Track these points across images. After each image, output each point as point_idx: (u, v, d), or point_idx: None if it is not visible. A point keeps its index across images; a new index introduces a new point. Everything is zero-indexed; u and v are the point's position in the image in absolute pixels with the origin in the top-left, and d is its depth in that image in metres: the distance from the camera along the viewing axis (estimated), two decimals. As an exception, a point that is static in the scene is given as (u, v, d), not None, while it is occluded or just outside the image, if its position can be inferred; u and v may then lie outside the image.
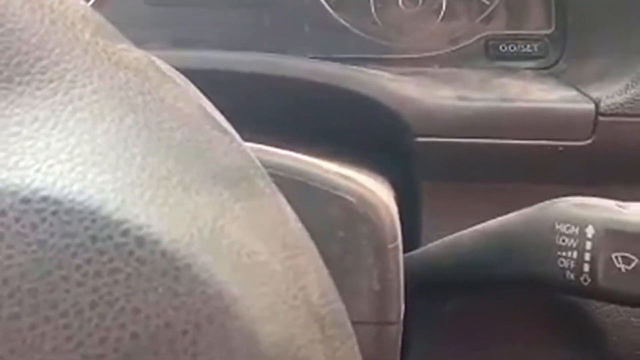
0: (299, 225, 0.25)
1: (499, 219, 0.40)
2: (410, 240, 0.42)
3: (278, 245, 0.23)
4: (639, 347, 0.46)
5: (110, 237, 0.19)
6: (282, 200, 0.25)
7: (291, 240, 0.24)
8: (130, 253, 0.19)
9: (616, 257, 0.34)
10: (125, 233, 0.19)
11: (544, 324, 0.45)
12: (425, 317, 0.45)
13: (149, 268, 0.19)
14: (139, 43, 0.26)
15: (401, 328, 0.37)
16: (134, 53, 0.24)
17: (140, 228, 0.19)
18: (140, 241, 0.19)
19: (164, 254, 0.19)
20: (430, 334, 0.46)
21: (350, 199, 0.35)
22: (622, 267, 0.34)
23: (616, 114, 0.45)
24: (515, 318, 0.46)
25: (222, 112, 0.28)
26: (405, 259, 0.37)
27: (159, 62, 0.26)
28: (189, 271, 0.19)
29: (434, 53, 0.57)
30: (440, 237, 0.44)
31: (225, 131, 0.25)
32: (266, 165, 0.26)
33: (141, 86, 0.23)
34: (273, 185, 0.26)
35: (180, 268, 0.19)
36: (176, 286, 0.19)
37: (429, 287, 0.43)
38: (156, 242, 0.19)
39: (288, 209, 0.25)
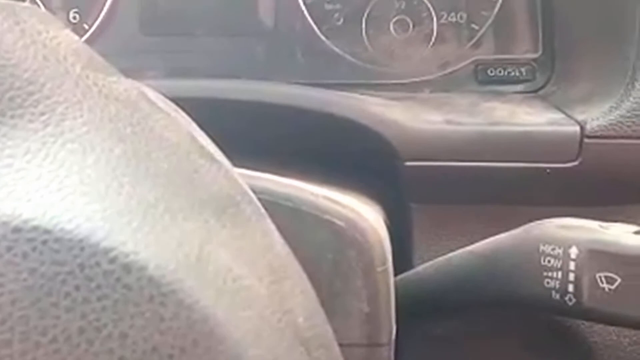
0: (286, 249, 0.26)
1: (487, 240, 0.41)
2: (401, 263, 0.43)
3: (264, 270, 0.24)
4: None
5: (98, 265, 0.20)
6: (270, 225, 0.26)
7: (277, 265, 0.25)
8: (118, 280, 0.20)
9: (600, 277, 0.35)
10: (112, 260, 0.20)
11: (533, 344, 0.45)
12: (416, 338, 0.45)
13: (136, 294, 0.20)
14: (135, 72, 0.26)
15: (392, 350, 0.37)
16: (124, 84, 0.25)
17: (127, 255, 0.20)
18: (127, 268, 0.20)
19: (150, 280, 0.20)
20: (422, 355, 0.46)
21: (339, 222, 0.35)
22: (606, 286, 0.35)
23: (601, 136, 0.46)
24: (505, 339, 0.46)
25: (214, 138, 0.28)
26: (396, 281, 0.38)
27: (150, 93, 0.27)
28: (175, 296, 0.20)
29: (424, 78, 0.58)
30: (430, 258, 0.44)
31: (213, 159, 0.26)
32: (255, 190, 0.27)
33: (130, 117, 0.24)
34: (261, 210, 0.26)
35: (166, 293, 0.20)
36: (162, 311, 0.20)
37: (421, 309, 0.43)
38: (143, 269, 0.20)
39: (275, 234, 0.26)
